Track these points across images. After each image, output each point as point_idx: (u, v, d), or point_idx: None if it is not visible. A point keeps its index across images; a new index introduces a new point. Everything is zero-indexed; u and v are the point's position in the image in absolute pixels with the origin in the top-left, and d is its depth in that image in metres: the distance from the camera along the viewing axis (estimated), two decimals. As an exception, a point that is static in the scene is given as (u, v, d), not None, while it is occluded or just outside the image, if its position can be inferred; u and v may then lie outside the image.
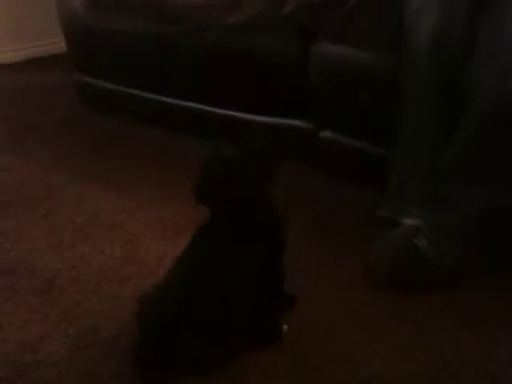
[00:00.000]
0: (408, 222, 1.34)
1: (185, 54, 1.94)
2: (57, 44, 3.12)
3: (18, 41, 3.24)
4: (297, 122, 1.75)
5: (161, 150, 2.01)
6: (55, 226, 1.54)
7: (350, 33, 1.54)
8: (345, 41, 1.50)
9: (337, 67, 1.56)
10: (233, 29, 1.80)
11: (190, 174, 1.76)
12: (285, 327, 1.12)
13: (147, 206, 1.63)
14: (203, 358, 1.02)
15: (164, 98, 2.07)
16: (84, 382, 1.04)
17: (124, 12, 2.09)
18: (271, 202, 1.10)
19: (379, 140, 1.52)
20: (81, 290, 1.28)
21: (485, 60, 1.12)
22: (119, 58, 2.15)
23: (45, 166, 1.91)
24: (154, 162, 1.91)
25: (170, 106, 2.07)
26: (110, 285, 1.29)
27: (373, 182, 1.55)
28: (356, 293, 1.25)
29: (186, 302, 1.00)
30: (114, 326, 1.16)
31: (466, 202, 1.21)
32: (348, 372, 1.04)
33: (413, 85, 1.25)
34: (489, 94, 1.12)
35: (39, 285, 1.31)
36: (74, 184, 1.77)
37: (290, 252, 1.13)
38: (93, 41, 2.20)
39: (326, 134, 1.67)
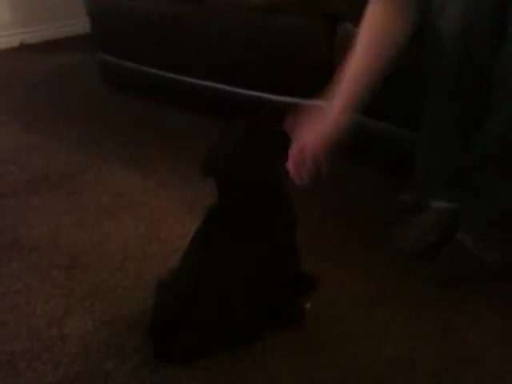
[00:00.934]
0: (437, 204, 1.33)
1: (210, 35, 1.93)
2: (79, 25, 3.16)
3: (44, 21, 3.27)
4: (321, 103, 1.74)
5: (185, 130, 2.01)
6: (80, 204, 1.56)
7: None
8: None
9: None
10: (258, 10, 1.78)
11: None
12: (308, 305, 1.13)
13: (171, 185, 1.64)
14: (223, 337, 1.03)
15: (188, 79, 2.08)
16: (108, 355, 1.05)
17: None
18: (280, 180, 1.09)
19: (404, 124, 1.50)
20: (105, 267, 1.29)
21: None
22: (144, 39, 2.16)
23: (70, 146, 1.93)
24: (178, 142, 1.91)
25: (193, 86, 2.07)
26: (134, 262, 1.31)
27: (396, 167, 1.53)
28: (374, 277, 1.24)
29: (199, 286, 1.01)
30: (138, 302, 1.18)
31: (503, 189, 1.19)
32: (369, 353, 1.05)
33: (438, 72, 1.23)
34: None
35: (64, 261, 1.32)
36: (99, 163, 1.78)
37: (309, 238, 1.13)
38: (117, 21, 2.21)
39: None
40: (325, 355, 1.04)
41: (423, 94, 1.28)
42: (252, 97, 1.90)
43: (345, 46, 1.61)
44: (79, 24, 3.12)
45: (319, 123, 1.16)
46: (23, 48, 3.21)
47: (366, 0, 1.24)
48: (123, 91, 2.34)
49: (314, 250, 1.24)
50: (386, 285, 1.21)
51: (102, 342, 1.08)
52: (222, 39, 1.90)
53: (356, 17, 1.55)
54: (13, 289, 1.24)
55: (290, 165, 1.11)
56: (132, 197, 1.58)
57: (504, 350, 1.04)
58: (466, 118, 1.24)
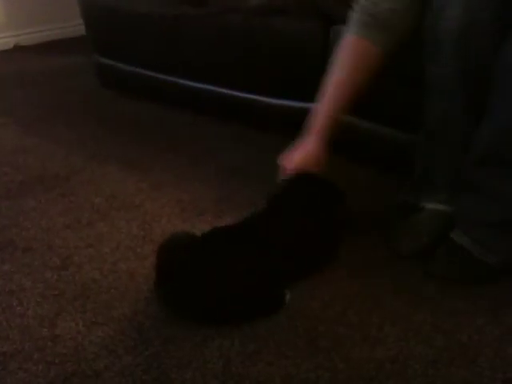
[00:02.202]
0: (433, 206, 1.33)
1: (208, 37, 1.94)
2: (78, 27, 3.16)
3: (39, 23, 3.27)
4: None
5: (183, 131, 2.02)
6: (73, 206, 1.56)
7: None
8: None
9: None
10: (256, 11, 1.79)
11: (211, 157, 1.78)
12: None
13: (166, 187, 1.63)
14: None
15: (186, 82, 2.08)
16: (100, 355, 1.05)
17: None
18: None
19: (404, 124, 1.51)
20: (98, 268, 1.29)
21: None
22: (140, 40, 2.16)
23: (67, 147, 1.92)
24: (173, 144, 1.92)
25: (192, 89, 2.07)
26: (127, 263, 1.30)
27: (392, 168, 1.54)
28: (371, 277, 1.24)
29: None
30: (131, 303, 1.17)
31: (504, 189, 1.19)
32: (363, 353, 1.04)
33: (438, 73, 1.23)
34: None
35: (57, 262, 1.32)
36: (93, 165, 1.78)
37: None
38: (113, 23, 2.21)
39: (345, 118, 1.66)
40: (317, 356, 1.04)
41: (423, 94, 1.29)
42: (249, 99, 1.91)
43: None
44: (74, 26, 3.13)
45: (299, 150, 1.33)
46: (18, 50, 3.22)
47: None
48: (120, 93, 2.34)
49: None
50: (383, 285, 1.22)
51: (94, 342, 1.08)
52: (221, 41, 1.91)
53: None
54: (5, 289, 1.24)
55: None
56: (126, 198, 1.58)
57: (496, 352, 1.04)
58: (465, 118, 1.24)
